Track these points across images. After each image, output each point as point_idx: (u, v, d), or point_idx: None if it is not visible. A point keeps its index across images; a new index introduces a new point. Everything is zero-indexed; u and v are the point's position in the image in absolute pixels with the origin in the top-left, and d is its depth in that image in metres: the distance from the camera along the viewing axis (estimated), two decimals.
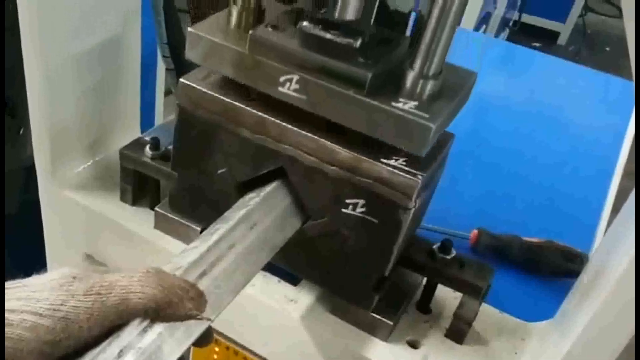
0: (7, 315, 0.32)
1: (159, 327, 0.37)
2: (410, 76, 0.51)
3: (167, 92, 1.84)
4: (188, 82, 0.58)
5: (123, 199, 0.74)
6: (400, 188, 0.53)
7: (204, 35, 0.55)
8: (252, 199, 0.55)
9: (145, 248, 0.71)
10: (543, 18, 4.27)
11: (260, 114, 0.56)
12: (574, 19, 4.19)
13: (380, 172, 0.53)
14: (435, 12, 0.48)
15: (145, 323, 0.36)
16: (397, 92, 0.51)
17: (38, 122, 0.72)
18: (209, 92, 0.57)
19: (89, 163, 0.78)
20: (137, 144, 0.71)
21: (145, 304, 0.36)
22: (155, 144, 0.69)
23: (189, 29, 0.55)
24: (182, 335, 0.38)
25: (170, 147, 0.65)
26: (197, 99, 0.58)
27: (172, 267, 0.42)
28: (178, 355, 0.38)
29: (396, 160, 0.53)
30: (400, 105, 0.50)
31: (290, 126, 0.55)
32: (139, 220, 0.72)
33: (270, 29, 0.53)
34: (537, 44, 4.20)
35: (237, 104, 0.57)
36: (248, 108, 0.56)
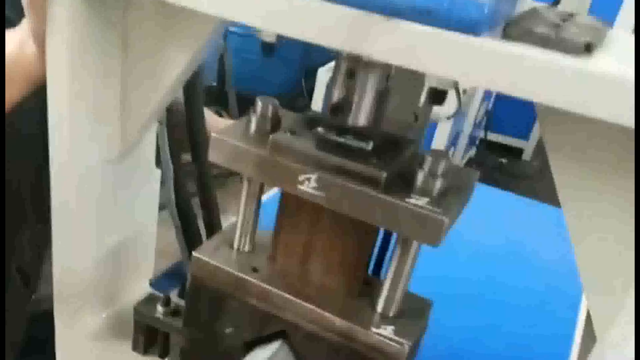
0: None
1: None
2: (421, 175, 0.55)
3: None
4: (200, 256, 0.64)
5: (135, 348, 0.77)
6: (390, 355, 0.58)
7: (227, 140, 0.59)
8: (257, 356, 0.61)
9: None
10: (507, 136, 4.50)
11: (264, 285, 0.62)
12: (536, 135, 4.40)
13: (372, 340, 0.58)
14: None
15: None
16: (409, 188, 0.55)
17: (60, 281, 0.76)
18: (220, 265, 0.64)
19: (104, 315, 0.81)
20: (149, 300, 0.76)
21: None
22: (166, 300, 0.75)
23: (213, 134, 0.59)
24: None
25: (177, 297, 0.72)
26: (208, 271, 0.64)
27: None
28: None
29: (385, 328, 0.59)
30: (413, 201, 0.53)
31: (291, 297, 0.61)
32: None
33: (288, 134, 0.58)
34: (504, 160, 4.39)
35: (244, 276, 0.63)
36: (254, 280, 0.62)
